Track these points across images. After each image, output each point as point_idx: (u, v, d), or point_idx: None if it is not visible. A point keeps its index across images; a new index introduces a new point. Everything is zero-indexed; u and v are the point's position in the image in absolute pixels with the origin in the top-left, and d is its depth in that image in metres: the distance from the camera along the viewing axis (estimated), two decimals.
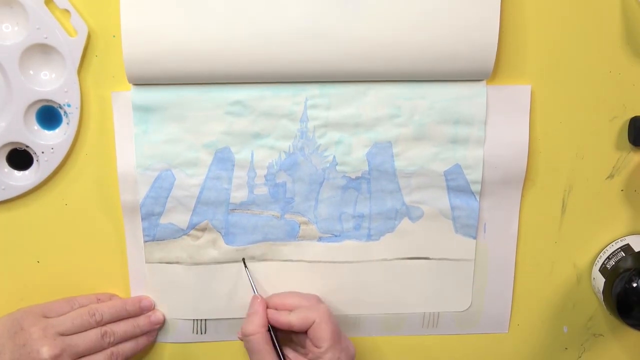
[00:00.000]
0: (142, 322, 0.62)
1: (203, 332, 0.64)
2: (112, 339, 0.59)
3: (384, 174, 0.61)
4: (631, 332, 0.66)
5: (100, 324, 0.59)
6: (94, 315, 0.59)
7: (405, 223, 0.62)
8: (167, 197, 0.60)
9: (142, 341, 0.62)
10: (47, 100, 0.58)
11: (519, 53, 0.59)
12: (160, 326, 0.64)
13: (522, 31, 0.59)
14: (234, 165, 0.60)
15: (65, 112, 0.58)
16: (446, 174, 0.61)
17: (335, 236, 0.62)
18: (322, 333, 0.57)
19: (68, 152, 0.59)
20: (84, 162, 0.60)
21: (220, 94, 0.58)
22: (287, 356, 0.59)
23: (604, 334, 0.67)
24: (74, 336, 0.58)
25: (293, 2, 0.55)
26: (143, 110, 0.58)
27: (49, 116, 0.58)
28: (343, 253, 0.63)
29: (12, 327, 0.57)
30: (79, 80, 0.57)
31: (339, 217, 0.62)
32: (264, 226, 0.62)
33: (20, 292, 0.62)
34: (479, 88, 0.59)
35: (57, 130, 0.59)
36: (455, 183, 0.61)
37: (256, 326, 0.58)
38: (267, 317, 0.59)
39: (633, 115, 0.61)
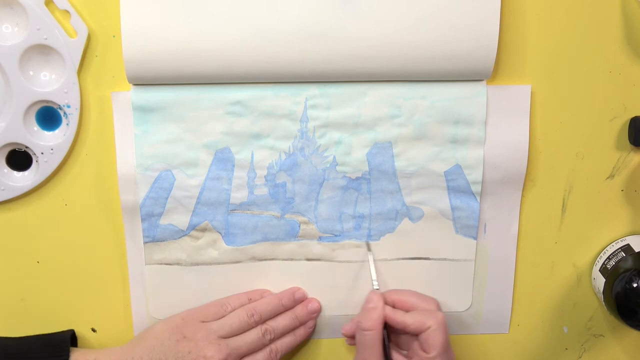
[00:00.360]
0: (300, 312, 0.62)
1: None
2: (272, 336, 0.60)
3: (384, 174, 0.61)
4: (631, 333, 0.66)
5: (259, 322, 0.60)
6: (253, 315, 0.60)
7: (405, 223, 0.62)
8: (167, 198, 0.60)
9: (300, 333, 0.62)
10: (47, 101, 0.58)
11: (519, 53, 0.59)
12: (317, 314, 0.63)
13: (522, 31, 0.59)
14: (234, 166, 0.60)
15: (65, 113, 0.58)
16: (446, 174, 0.61)
17: (336, 236, 0.62)
18: (435, 341, 0.56)
19: (67, 152, 0.59)
20: (84, 162, 0.60)
21: (220, 94, 0.58)
22: (391, 356, 0.59)
23: (604, 334, 0.66)
24: (236, 338, 0.59)
25: (293, 2, 0.55)
26: (143, 110, 0.58)
27: (48, 117, 0.58)
28: (343, 253, 0.63)
29: (174, 335, 0.58)
30: (79, 81, 0.57)
31: (339, 218, 0.62)
32: (264, 226, 0.62)
33: (20, 292, 0.62)
34: (479, 88, 0.59)
35: (56, 131, 0.59)
36: (456, 183, 0.61)
37: (375, 322, 0.58)
38: (383, 316, 0.58)
39: (633, 116, 0.61)
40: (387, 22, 0.55)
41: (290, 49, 0.55)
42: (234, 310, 0.60)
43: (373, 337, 0.57)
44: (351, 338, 0.62)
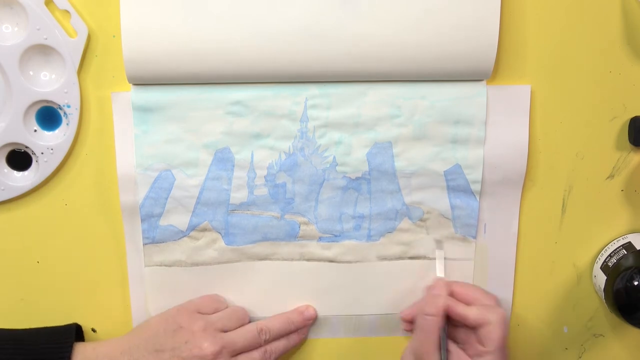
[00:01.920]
0: (295, 318, 0.63)
1: None
2: (267, 337, 0.60)
3: (384, 174, 0.61)
4: (631, 332, 0.66)
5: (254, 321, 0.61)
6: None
7: (405, 223, 0.62)
8: (166, 198, 0.60)
9: (293, 338, 0.63)
10: (47, 101, 0.58)
11: (519, 53, 0.59)
12: (313, 322, 0.64)
13: (522, 31, 0.59)
14: (233, 166, 0.60)
15: (65, 113, 0.58)
16: (446, 174, 0.61)
17: (335, 236, 0.62)
18: (494, 335, 0.56)
19: (68, 152, 0.59)
20: (84, 162, 0.60)
21: (220, 94, 0.58)
22: (447, 345, 0.59)
23: (604, 334, 0.66)
24: (232, 333, 0.59)
25: (293, 2, 0.55)
26: (143, 110, 0.58)
27: (48, 117, 0.58)
28: (343, 253, 0.63)
29: (170, 325, 0.58)
30: (79, 81, 0.57)
31: (339, 218, 0.62)
32: (264, 227, 0.62)
33: (20, 292, 0.62)
34: (479, 88, 0.59)
35: (56, 131, 0.59)
36: (456, 183, 0.61)
37: (438, 308, 0.58)
38: (445, 306, 0.59)
39: (633, 115, 0.61)
40: (387, 22, 0.55)
41: (290, 49, 0.55)
42: (229, 306, 0.61)
43: (434, 323, 0.57)
44: (407, 323, 0.63)
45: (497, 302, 0.60)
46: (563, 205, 0.63)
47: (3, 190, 0.59)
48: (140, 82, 0.57)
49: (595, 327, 0.66)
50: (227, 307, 0.62)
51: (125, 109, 0.58)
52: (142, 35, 0.54)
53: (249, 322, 0.62)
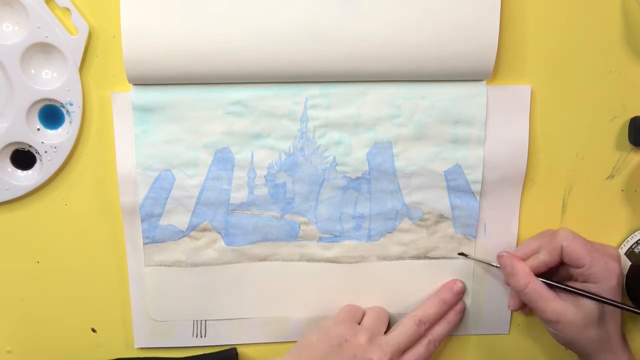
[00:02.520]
0: (447, 296, 0.62)
1: (203, 335, 0.64)
2: (427, 325, 0.60)
3: (384, 174, 0.61)
4: (631, 332, 0.66)
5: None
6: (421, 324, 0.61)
7: (405, 223, 0.62)
8: (166, 198, 0.60)
9: (451, 319, 0.63)
10: (49, 100, 0.58)
11: (519, 53, 0.59)
12: (463, 294, 0.63)
13: (522, 31, 0.59)
14: (233, 166, 0.60)
15: (67, 111, 0.58)
16: (446, 174, 0.61)
17: (336, 236, 0.62)
18: (576, 253, 0.57)
19: (70, 151, 0.59)
20: (85, 163, 0.60)
21: (220, 94, 0.58)
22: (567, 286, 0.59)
23: None
24: (394, 335, 0.59)
25: (293, 2, 0.55)
26: (143, 110, 0.58)
27: (51, 115, 0.58)
28: (343, 253, 0.63)
29: (335, 340, 0.58)
30: (81, 78, 0.57)
31: (339, 218, 0.62)
32: (264, 227, 0.61)
33: (20, 292, 0.62)
34: (479, 88, 0.59)
35: (59, 130, 0.59)
36: (456, 183, 0.61)
37: (523, 276, 0.58)
38: (528, 267, 0.59)
39: (633, 116, 0.61)
40: (387, 22, 0.55)
41: (290, 49, 0.55)
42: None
43: (535, 288, 0.58)
44: (523, 308, 0.63)
45: (552, 232, 0.60)
46: (563, 205, 0.63)
47: (7, 189, 0.59)
48: (140, 82, 0.57)
49: None
50: (364, 311, 0.62)
51: (125, 109, 0.58)
52: (142, 35, 0.54)
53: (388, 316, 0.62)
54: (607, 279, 0.57)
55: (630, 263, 0.61)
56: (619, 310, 0.59)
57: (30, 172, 0.60)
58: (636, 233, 0.63)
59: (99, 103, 0.58)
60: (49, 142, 0.58)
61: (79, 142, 0.59)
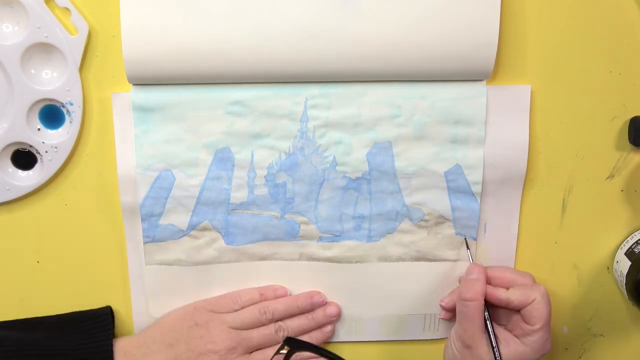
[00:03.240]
0: (318, 315, 0.63)
1: None
2: (285, 333, 0.61)
3: (384, 174, 0.60)
4: (631, 332, 0.66)
5: (272, 321, 0.61)
6: (265, 313, 0.61)
7: (405, 224, 0.62)
8: (166, 198, 0.60)
9: (316, 336, 0.63)
10: (50, 100, 0.58)
11: (519, 53, 0.59)
12: (337, 319, 0.64)
13: (522, 31, 0.59)
14: (233, 166, 0.60)
15: (67, 111, 0.58)
16: (446, 174, 0.61)
17: (336, 236, 0.62)
18: (540, 313, 0.57)
19: (71, 151, 0.59)
20: (85, 163, 0.60)
21: (220, 94, 0.58)
22: (493, 329, 0.58)
23: (604, 334, 0.66)
24: (248, 331, 0.60)
25: (293, 2, 0.55)
26: (143, 110, 0.58)
27: (51, 115, 0.58)
28: (343, 253, 0.63)
29: (186, 322, 0.60)
30: (81, 78, 0.57)
31: (339, 218, 0.62)
32: (264, 226, 0.61)
33: (20, 292, 0.62)
34: (479, 88, 0.59)
35: (60, 130, 0.59)
36: (456, 183, 0.61)
37: (477, 293, 0.58)
38: (485, 289, 0.58)
39: (633, 116, 0.61)
40: (387, 22, 0.55)
41: (290, 49, 0.55)
42: (244, 306, 0.61)
43: (475, 308, 0.57)
44: (447, 312, 0.63)
45: (533, 279, 0.60)
46: (563, 205, 0.63)
47: (8, 190, 0.59)
48: (140, 82, 0.57)
49: (595, 327, 0.66)
50: (242, 306, 0.62)
51: (125, 109, 0.58)
52: (142, 35, 0.54)
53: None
54: (539, 350, 0.57)
55: (630, 263, 0.61)
56: None
57: (31, 172, 0.60)
58: (636, 233, 0.63)
59: (99, 103, 0.58)
60: (50, 142, 0.58)
61: (79, 142, 0.59)
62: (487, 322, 0.58)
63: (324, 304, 0.63)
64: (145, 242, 0.61)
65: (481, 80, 0.59)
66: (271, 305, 0.61)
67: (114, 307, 0.63)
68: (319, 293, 0.63)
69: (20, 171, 0.60)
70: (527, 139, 0.60)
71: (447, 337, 0.65)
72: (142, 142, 0.58)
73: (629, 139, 0.61)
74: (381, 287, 0.64)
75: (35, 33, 0.55)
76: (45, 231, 0.61)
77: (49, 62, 0.57)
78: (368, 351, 0.66)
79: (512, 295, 0.58)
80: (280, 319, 0.62)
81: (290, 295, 0.63)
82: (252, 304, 0.62)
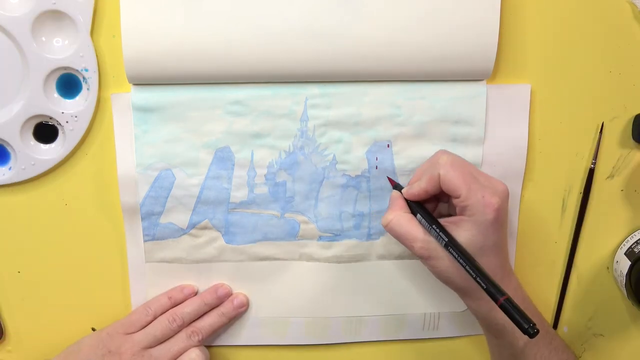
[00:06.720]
0: (227, 309, 0.62)
1: None
2: (200, 337, 0.61)
3: (384, 172, 0.61)
4: (631, 332, 0.66)
5: (183, 326, 0.61)
6: (175, 321, 0.60)
7: None
8: (167, 197, 0.60)
9: (221, 310, 0.63)
10: (65, 68, 0.57)
11: (519, 53, 0.59)
12: (245, 309, 0.63)
13: (522, 31, 0.59)
14: (234, 165, 0.60)
15: (84, 78, 0.57)
16: None
17: (335, 235, 0.62)
18: (452, 181, 0.53)
19: (90, 121, 0.58)
20: (85, 162, 0.60)
21: (220, 94, 0.58)
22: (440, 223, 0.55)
23: (604, 334, 0.66)
24: (161, 347, 0.60)
25: (293, 2, 0.55)
26: (143, 110, 0.58)
27: (68, 84, 0.58)
28: (343, 252, 0.63)
29: (99, 350, 0.59)
30: (93, 42, 0.57)
31: (339, 216, 0.62)
32: (264, 225, 0.62)
33: (19, 291, 0.63)
34: (479, 88, 0.59)
35: (77, 98, 0.58)
36: None
37: (393, 211, 0.56)
38: (405, 203, 0.56)
39: (633, 115, 0.61)
40: (387, 22, 0.55)
41: (291, 49, 0.55)
42: (156, 315, 0.61)
43: (397, 223, 0.55)
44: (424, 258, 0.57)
45: (439, 155, 0.56)
46: (563, 205, 0.63)
47: (33, 165, 0.59)
48: (140, 82, 0.57)
49: (595, 327, 0.66)
50: (154, 319, 0.61)
51: (125, 109, 0.58)
52: (142, 35, 0.55)
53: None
54: (482, 213, 0.52)
55: (629, 263, 0.61)
56: (500, 239, 0.54)
57: (53, 145, 0.59)
58: (636, 233, 0.63)
59: (99, 103, 0.58)
60: (69, 111, 0.58)
61: (80, 142, 0.59)
62: (423, 219, 0.55)
63: (230, 294, 0.63)
64: (145, 241, 0.61)
65: (481, 80, 0.59)
66: (179, 311, 0.61)
67: (114, 305, 0.63)
68: (222, 285, 0.63)
69: (42, 145, 0.59)
70: (527, 138, 0.60)
71: (447, 337, 0.66)
72: (142, 142, 0.59)
73: (633, 135, 0.61)
74: (381, 286, 0.64)
75: (43, 1, 0.55)
76: (46, 231, 0.61)
77: (59, 30, 0.56)
78: (368, 351, 0.66)
79: (422, 183, 0.55)
80: (191, 321, 0.61)
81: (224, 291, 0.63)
82: (163, 310, 0.61)
